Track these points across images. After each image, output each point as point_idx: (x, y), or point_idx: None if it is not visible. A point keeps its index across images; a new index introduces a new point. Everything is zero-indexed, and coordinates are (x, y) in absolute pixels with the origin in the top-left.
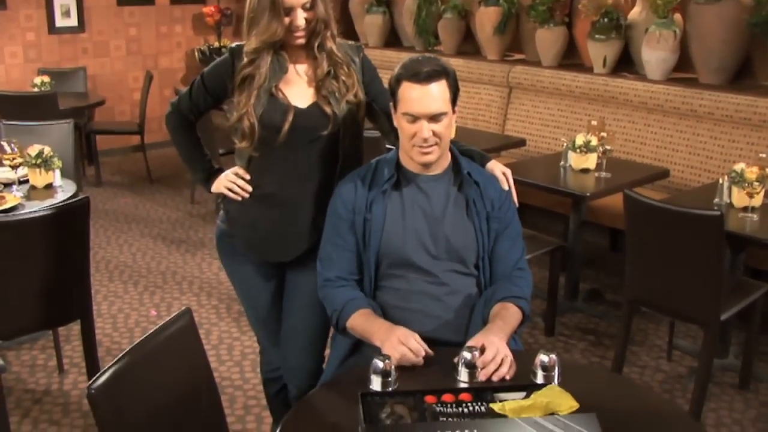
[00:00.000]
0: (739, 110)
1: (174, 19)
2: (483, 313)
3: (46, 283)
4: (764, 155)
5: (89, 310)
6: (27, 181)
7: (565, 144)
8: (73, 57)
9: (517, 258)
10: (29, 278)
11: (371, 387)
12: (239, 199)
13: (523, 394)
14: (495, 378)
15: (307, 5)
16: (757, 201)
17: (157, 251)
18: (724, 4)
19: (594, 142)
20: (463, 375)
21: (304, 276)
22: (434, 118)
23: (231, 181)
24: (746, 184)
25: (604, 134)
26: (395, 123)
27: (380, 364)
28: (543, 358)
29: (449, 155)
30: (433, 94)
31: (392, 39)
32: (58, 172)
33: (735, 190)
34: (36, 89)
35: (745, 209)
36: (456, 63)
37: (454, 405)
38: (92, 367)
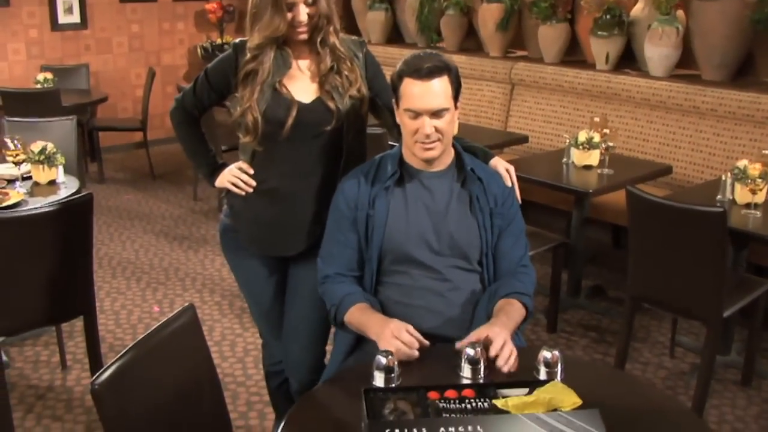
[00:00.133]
0: (742, 107)
1: (176, 15)
2: (487, 309)
3: (49, 280)
4: (767, 152)
5: (92, 307)
6: (30, 178)
7: (567, 141)
8: (76, 54)
9: (521, 255)
10: (32, 275)
11: (374, 383)
12: (243, 193)
13: (526, 390)
14: (505, 369)
15: (310, 1)
16: (760, 197)
17: (160, 248)
18: (726, 0)
19: (597, 138)
20: (466, 371)
21: (307, 271)
22: (436, 113)
23: (235, 176)
24: (749, 181)
25: (606, 131)
26: (398, 119)
27: (383, 360)
28: (546, 354)
29: (452, 151)
30: (435, 90)
31: (394, 36)
32: (61, 169)
33: (738, 186)
34: (39, 86)
35: (747, 206)
36: (458, 60)
37: (457, 401)
38: (95, 363)
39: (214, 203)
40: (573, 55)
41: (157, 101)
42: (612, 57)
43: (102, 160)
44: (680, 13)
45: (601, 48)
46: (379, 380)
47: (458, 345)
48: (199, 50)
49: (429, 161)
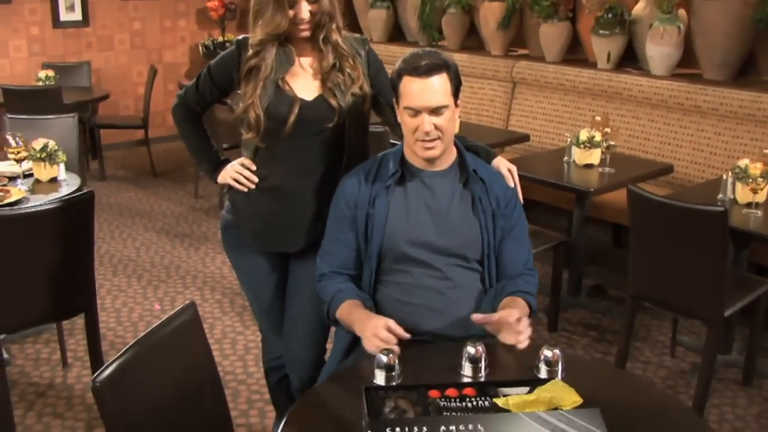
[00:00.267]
0: (743, 106)
1: (178, 13)
2: (492, 304)
3: (51, 277)
4: None
5: (93, 304)
6: (31, 175)
7: (568, 139)
8: (78, 51)
9: (525, 258)
10: (33, 272)
11: (375, 381)
12: (245, 190)
13: (527, 389)
14: (521, 338)
15: None
16: (761, 197)
17: (161, 245)
18: None
19: (598, 137)
20: (467, 369)
21: (307, 268)
22: (435, 111)
23: (237, 172)
24: (750, 180)
25: (607, 130)
26: (398, 118)
27: (384, 358)
28: (546, 353)
29: (454, 151)
30: (434, 87)
31: (396, 34)
32: (62, 166)
33: (739, 185)
34: (40, 83)
35: (748, 205)
36: (460, 58)
37: (457, 399)
38: (96, 360)
39: (215, 201)
40: (574, 53)
41: (159, 99)
42: (613, 56)
43: (103, 157)
44: (682, 12)
45: (603, 47)
46: (379, 378)
47: (474, 317)
48: (200, 48)
49: (430, 160)
